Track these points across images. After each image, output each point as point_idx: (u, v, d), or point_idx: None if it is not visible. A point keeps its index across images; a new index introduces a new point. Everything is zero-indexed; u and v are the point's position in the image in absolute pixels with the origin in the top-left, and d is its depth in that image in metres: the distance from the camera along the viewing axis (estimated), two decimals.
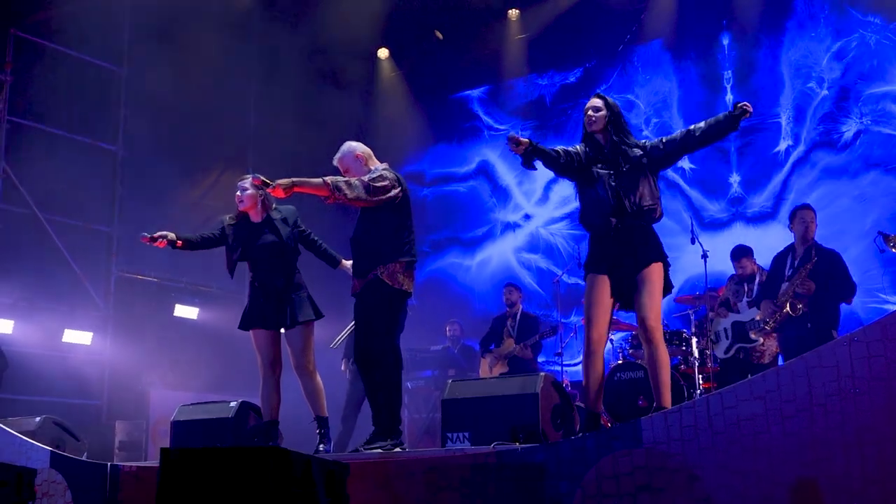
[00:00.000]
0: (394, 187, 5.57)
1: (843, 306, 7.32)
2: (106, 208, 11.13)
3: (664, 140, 5.30)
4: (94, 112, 11.07)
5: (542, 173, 11.90)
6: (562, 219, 12.03)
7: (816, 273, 7.15)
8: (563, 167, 5.36)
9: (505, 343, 9.65)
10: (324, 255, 6.53)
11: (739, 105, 5.11)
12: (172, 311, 11.41)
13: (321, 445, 6.08)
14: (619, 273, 5.16)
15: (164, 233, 6.27)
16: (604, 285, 5.17)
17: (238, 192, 6.26)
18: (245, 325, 6.23)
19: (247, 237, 6.21)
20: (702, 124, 5.22)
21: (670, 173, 10.76)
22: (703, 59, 11.20)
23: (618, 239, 5.16)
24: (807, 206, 7.51)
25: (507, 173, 12.63)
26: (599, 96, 5.43)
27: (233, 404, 6.67)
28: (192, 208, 11.34)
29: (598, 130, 5.33)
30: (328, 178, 5.41)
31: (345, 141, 5.90)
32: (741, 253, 8.23)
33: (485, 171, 12.88)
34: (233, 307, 11.49)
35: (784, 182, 10.46)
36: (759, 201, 10.59)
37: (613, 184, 5.18)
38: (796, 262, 7.32)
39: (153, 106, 11.11)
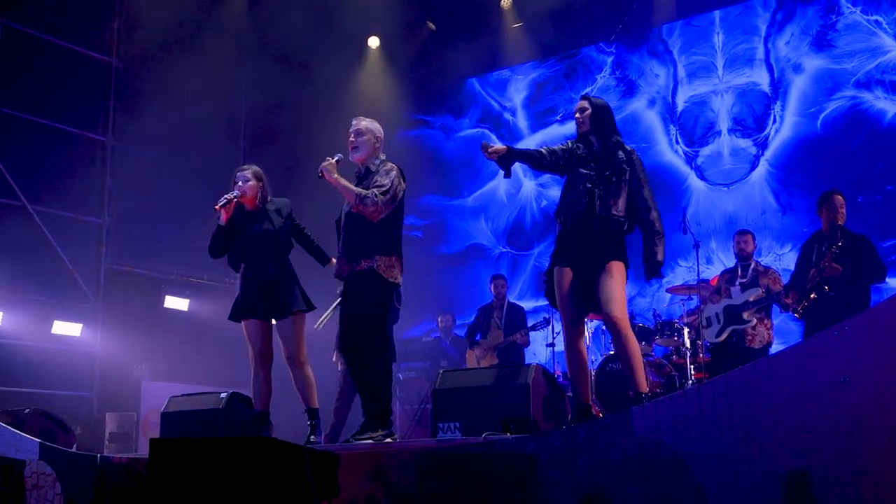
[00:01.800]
0: (398, 191, 5.67)
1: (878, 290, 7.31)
2: (96, 199, 11.09)
3: (642, 179, 5.33)
4: (83, 102, 11.01)
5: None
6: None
7: (843, 256, 7.12)
8: (547, 167, 5.43)
9: (493, 334, 9.66)
10: (315, 252, 6.53)
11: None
12: (163, 303, 11.38)
13: (312, 437, 6.08)
14: (581, 269, 5.27)
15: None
16: (568, 277, 5.29)
17: (240, 182, 6.23)
18: (236, 315, 6.22)
19: (241, 226, 6.20)
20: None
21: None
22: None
23: (582, 240, 5.26)
24: (837, 192, 7.43)
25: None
26: (585, 98, 5.52)
27: (223, 395, 6.67)
28: (183, 199, 11.27)
29: (588, 131, 5.40)
30: (359, 189, 5.56)
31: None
32: (745, 230, 8.35)
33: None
34: (223, 298, 11.45)
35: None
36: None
37: (589, 185, 5.25)
38: (823, 248, 7.28)
39: (143, 95, 11.05)
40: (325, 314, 7.97)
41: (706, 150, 10.94)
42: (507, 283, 10.08)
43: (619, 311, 5.14)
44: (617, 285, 5.17)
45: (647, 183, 5.35)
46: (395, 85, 13.08)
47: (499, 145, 5.32)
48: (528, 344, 9.59)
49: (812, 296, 7.20)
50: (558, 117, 12.18)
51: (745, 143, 10.67)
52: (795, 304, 7.35)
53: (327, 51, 12.19)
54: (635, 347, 5.16)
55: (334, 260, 6.29)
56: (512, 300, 10.13)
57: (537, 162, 5.39)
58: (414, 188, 10.58)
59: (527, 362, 6.93)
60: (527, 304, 10.75)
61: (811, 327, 7.31)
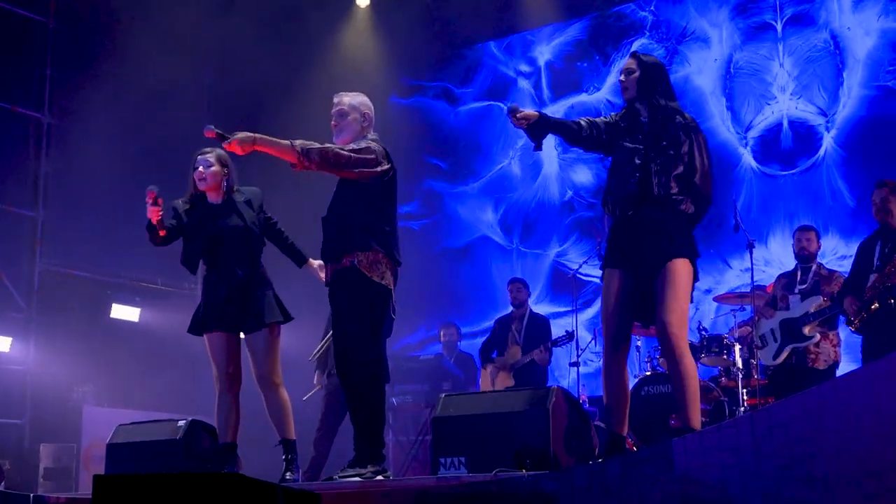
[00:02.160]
0: (380, 163, 5.59)
1: None
2: (29, 188, 11.10)
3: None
4: (13, 70, 11.02)
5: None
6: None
7: None
8: (585, 141, 5.37)
9: (510, 351, 9.66)
10: (289, 250, 6.49)
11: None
12: (109, 312, 11.39)
13: (288, 473, 6.08)
14: (635, 271, 5.19)
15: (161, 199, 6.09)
16: (617, 282, 5.22)
17: (200, 168, 6.19)
18: (197, 328, 6.21)
19: (202, 221, 6.20)
20: None
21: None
22: None
23: (636, 230, 5.18)
24: (881, 183, 7.47)
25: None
26: (633, 55, 5.42)
27: (181, 424, 6.66)
28: (135, 188, 11.28)
29: (634, 98, 5.33)
30: (297, 142, 5.42)
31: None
32: (808, 227, 8.36)
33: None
34: (181, 307, 11.41)
35: None
36: None
37: (639, 161, 5.17)
38: (886, 250, 7.29)
39: (87, 65, 11.07)
40: (323, 342, 7.95)
41: (761, 128, 10.95)
42: (527, 288, 10.06)
43: (678, 322, 5.06)
44: (679, 290, 5.07)
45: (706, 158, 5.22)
46: (388, 44, 13.07)
47: (530, 110, 5.28)
48: (547, 362, 9.59)
49: (874, 306, 7.20)
50: (585, 92, 12.20)
51: (811, 120, 10.66)
52: (854, 315, 7.36)
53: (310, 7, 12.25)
54: (692, 371, 5.11)
55: (313, 262, 6.30)
56: (535, 310, 10.12)
57: (574, 134, 5.33)
58: (409, 170, 10.65)
59: (549, 384, 6.94)
60: (542, 309, 10.77)
61: (871, 343, 7.33)
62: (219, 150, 6.22)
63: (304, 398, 7.40)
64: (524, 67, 12.82)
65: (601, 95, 12.00)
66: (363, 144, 5.59)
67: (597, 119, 5.42)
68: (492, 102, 12.95)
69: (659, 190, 5.10)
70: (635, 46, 11.76)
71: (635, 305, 5.23)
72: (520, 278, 10.35)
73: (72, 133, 11.21)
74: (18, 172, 11.02)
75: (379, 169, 5.58)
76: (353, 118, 5.77)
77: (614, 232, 5.32)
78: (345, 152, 5.51)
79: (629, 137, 5.27)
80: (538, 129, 5.27)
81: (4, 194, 10.84)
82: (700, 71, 11.45)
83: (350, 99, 5.83)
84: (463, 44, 13.28)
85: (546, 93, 12.55)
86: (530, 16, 12.64)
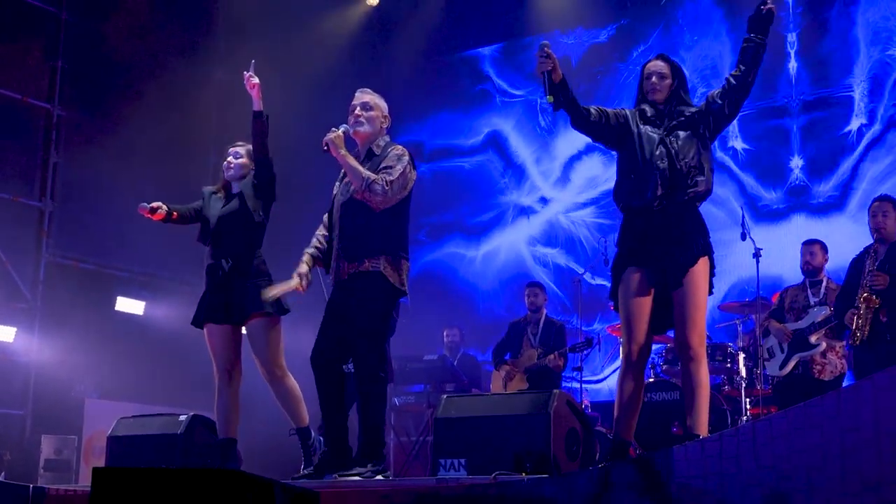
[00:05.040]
0: (411, 182, 5.74)
1: None
2: (37, 179, 11.10)
3: (717, 92, 5.30)
4: (24, 61, 11.02)
5: (564, 148, 12.11)
6: (586, 205, 12.04)
7: (891, 267, 7.11)
8: (592, 126, 5.35)
9: (525, 354, 9.65)
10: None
11: (764, 7, 5.16)
12: (114, 305, 11.39)
13: (305, 469, 6.04)
14: (661, 265, 5.15)
15: (159, 203, 6.24)
16: (642, 282, 5.17)
17: (230, 158, 6.34)
18: (196, 320, 6.25)
19: (214, 209, 6.29)
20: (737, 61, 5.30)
21: (719, 153, 10.78)
22: None
23: (664, 220, 5.15)
24: (886, 199, 7.45)
25: (522, 147, 12.64)
26: (664, 59, 5.45)
27: (182, 418, 6.69)
28: (144, 179, 11.29)
29: (661, 101, 5.36)
30: (367, 173, 5.55)
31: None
32: (813, 240, 8.33)
33: (495, 143, 12.94)
34: (186, 300, 11.39)
35: (854, 167, 10.47)
36: (825, 190, 10.60)
37: (665, 148, 5.18)
38: (877, 265, 7.27)
39: (98, 55, 11.07)
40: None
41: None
42: (545, 292, 10.05)
43: (700, 341, 5.11)
44: (701, 301, 5.11)
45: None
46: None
47: (557, 66, 5.20)
48: (562, 369, 9.56)
49: (863, 308, 7.13)
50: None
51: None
52: (859, 329, 7.30)
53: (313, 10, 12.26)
54: (706, 383, 5.13)
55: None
56: (550, 315, 10.10)
57: (583, 118, 5.30)
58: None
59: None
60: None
61: (859, 362, 7.36)
62: (249, 146, 6.33)
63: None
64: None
65: None
66: (398, 167, 5.63)
67: (607, 109, 5.39)
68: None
69: (684, 169, 5.14)
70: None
71: (659, 308, 5.20)
72: (537, 282, 10.34)
73: (81, 125, 11.22)
74: (27, 163, 11.01)
75: (409, 188, 5.71)
76: (376, 114, 5.83)
77: (634, 227, 5.27)
78: (395, 187, 5.59)
79: (648, 124, 5.29)
80: (558, 87, 5.21)
81: (12, 184, 10.83)
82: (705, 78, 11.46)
83: (375, 97, 5.90)
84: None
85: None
86: (531, 23, 12.64)
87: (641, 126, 5.29)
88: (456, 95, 13.31)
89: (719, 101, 5.26)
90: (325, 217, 5.98)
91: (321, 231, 5.95)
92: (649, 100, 5.38)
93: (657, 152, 5.18)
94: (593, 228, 11.88)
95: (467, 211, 13.00)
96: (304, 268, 5.78)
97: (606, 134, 5.39)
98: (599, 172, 11.76)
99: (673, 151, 5.16)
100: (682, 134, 5.22)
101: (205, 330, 6.23)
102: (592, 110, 5.33)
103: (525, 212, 12.55)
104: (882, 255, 7.23)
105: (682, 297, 5.10)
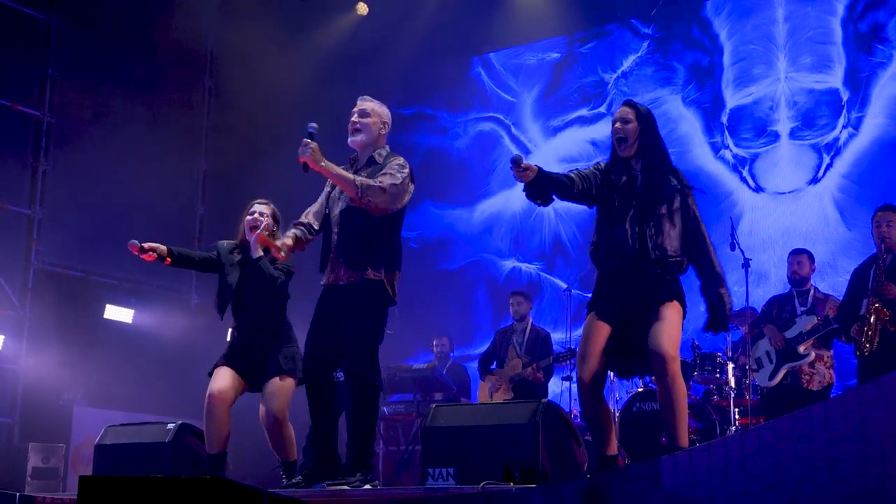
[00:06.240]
0: (408, 195, 5.76)
1: None
2: (26, 186, 11.08)
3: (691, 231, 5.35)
4: (14, 68, 11.01)
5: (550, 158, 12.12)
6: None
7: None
8: (577, 196, 5.41)
9: (510, 363, 9.63)
10: None
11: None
12: (102, 313, 11.36)
13: (286, 480, 6.08)
14: (624, 326, 5.26)
15: (155, 245, 6.18)
16: (603, 333, 5.27)
17: (256, 214, 6.27)
18: (217, 364, 6.26)
19: (236, 273, 6.27)
20: None
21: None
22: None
23: (628, 287, 5.26)
24: (890, 208, 7.39)
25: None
26: (629, 104, 5.46)
27: (170, 426, 6.68)
28: (134, 189, 11.27)
29: (630, 154, 5.37)
30: (358, 179, 5.51)
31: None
32: (800, 250, 8.37)
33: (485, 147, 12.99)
34: (175, 309, 11.44)
35: None
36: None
37: (637, 228, 5.25)
38: (882, 275, 7.23)
39: (89, 64, 11.05)
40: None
41: (758, 152, 11.03)
42: (530, 301, 10.04)
43: (671, 348, 5.15)
44: (674, 323, 5.20)
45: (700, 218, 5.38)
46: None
47: (532, 164, 5.21)
48: (540, 381, 9.52)
49: (873, 320, 7.11)
50: (581, 111, 12.19)
51: (810, 146, 10.72)
52: (868, 339, 7.27)
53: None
54: (682, 394, 5.18)
55: None
56: (536, 324, 10.09)
57: (567, 190, 5.34)
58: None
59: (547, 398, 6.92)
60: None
61: (867, 370, 7.26)
62: (272, 205, 6.35)
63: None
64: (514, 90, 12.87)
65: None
66: (398, 176, 5.62)
67: (585, 171, 5.44)
68: (491, 118, 12.99)
69: (655, 254, 5.21)
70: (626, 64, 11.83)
71: (617, 360, 5.33)
72: (522, 291, 10.32)
73: (71, 132, 11.20)
74: (16, 170, 10.99)
75: (405, 199, 5.71)
76: (374, 121, 5.81)
77: (605, 283, 5.38)
78: (395, 191, 5.59)
79: (623, 197, 5.32)
80: (536, 185, 5.24)
81: (1, 191, 10.80)
82: (698, 94, 11.48)
83: (374, 104, 5.88)
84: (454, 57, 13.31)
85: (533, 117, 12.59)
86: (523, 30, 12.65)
87: (615, 195, 5.34)
88: (445, 103, 13.34)
89: (690, 226, 5.31)
90: (314, 208, 5.95)
91: (311, 221, 5.90)
92: (620, 152, 5.40)
93: (624, 231, 5.25)
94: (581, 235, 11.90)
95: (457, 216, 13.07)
96: (289, 241, 5.75)
97: (587, 198, 5.45)
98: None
99: (647, 238, 5.21)
100: (658, 219, 5.25)
101: (219, 370, 6.21)
102: (575, 180, 5.35)
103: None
104: (888, 263, 7.22)
105: (652, 327, 5.18)
